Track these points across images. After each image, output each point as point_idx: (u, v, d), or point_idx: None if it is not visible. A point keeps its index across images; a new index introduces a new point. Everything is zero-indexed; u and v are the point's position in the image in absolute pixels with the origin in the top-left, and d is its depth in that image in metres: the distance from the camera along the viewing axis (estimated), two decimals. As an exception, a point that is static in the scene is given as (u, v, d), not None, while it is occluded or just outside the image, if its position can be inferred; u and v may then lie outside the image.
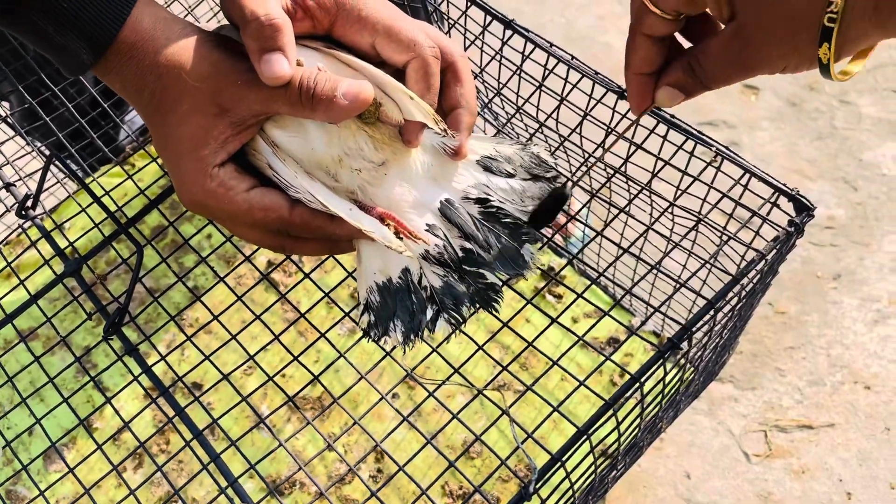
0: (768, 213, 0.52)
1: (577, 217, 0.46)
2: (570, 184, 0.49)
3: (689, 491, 1.00)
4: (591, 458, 0.53)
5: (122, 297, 0.54)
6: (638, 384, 0.46)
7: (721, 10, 0.38)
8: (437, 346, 0.55)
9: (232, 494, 0.48)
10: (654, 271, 0.53)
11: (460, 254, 0.45)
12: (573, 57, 0.59)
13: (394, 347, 0.51)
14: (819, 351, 1.14)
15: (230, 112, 0.40)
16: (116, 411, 0.56)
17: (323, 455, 0.69)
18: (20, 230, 0.83)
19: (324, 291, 0.59)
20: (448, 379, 0.59)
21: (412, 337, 0.45)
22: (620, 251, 0.55)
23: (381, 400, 0.54)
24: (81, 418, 0.58)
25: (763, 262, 0.49)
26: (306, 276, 0.60)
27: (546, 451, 0.46)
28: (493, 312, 0.46)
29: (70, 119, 0.78)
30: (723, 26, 0.39)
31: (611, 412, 0.46)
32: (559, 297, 0.76)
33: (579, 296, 0.54)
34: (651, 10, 0.40)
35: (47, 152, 0.67)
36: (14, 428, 0.74)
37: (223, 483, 0.48)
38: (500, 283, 0.46)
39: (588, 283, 0.69)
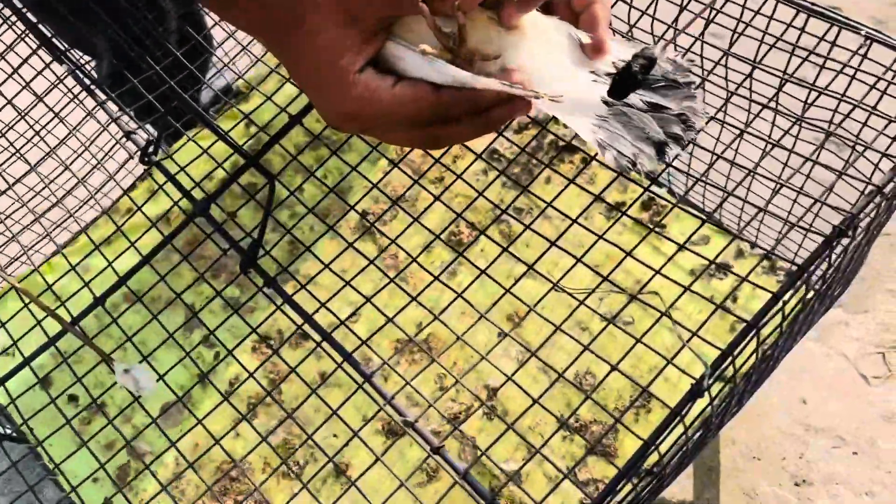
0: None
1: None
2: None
3: (806, 416, 0.98)
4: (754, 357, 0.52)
5: (254, 232, 0.56)
6: (802, 274, 0.46)
7: None
8: (556, 283, 0.53)
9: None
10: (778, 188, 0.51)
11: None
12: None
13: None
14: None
15: (360, 20, 0.39)
16: (240, 363, 0.58)
17: (434, 393, 0.69)
18: (143, 176, 0.81)
19: (433, 233, 0.58)
20: (595, 288, 0.58)
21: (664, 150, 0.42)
22: (743, 175, 0.53)
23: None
24: (199, 374, 0.60)
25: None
26: (414, 220, 0.60)
27: (715, 347, 0.48)
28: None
29: (157, 82, 0.78)
30: None
31: (779, 304, 0.47)
32: (663, 226, 0.74)
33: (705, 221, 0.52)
34: None
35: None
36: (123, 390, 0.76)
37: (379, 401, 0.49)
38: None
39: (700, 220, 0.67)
